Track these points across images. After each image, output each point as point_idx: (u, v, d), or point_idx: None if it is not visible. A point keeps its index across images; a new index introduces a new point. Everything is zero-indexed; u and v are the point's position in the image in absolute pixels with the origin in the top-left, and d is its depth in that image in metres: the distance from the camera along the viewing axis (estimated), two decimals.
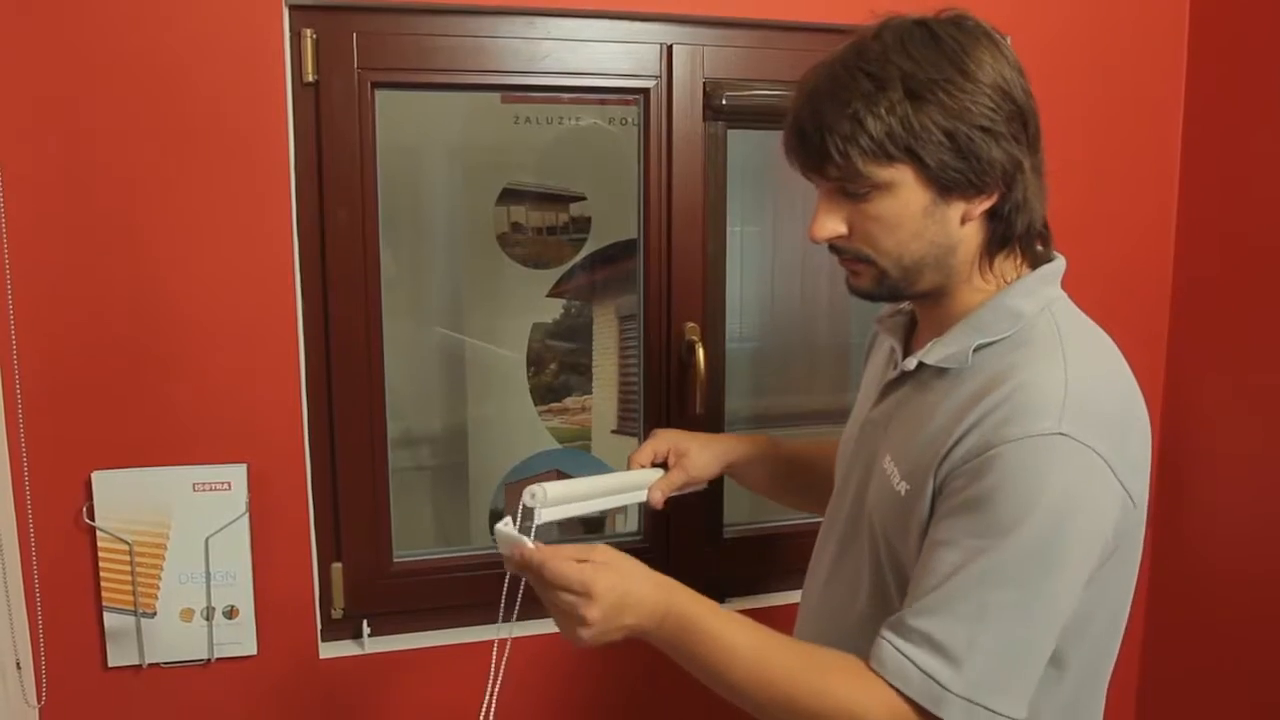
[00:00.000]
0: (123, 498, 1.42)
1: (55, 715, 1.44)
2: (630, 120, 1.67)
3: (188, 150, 1.39)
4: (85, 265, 1.38)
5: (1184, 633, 1.91)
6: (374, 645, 1.58)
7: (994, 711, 0.86)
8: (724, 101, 1.59)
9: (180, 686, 1.49)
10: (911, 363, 1.00)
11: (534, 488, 1.04)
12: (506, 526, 0.98)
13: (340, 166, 1.48)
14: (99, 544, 1.43)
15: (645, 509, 1.58)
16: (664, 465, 1.25)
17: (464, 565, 1.64)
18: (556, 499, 1.07)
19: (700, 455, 1.25)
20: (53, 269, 1.37)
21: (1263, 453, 1.73)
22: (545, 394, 1.80)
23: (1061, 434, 0.85)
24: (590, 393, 1.81)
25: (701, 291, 1.66)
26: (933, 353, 0.98)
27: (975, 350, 0.94)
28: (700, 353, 1.61)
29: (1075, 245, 1.78)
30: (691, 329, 1.65)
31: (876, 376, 1.13)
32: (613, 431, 1.80)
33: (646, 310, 1.67)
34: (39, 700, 1.42)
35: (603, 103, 1.72)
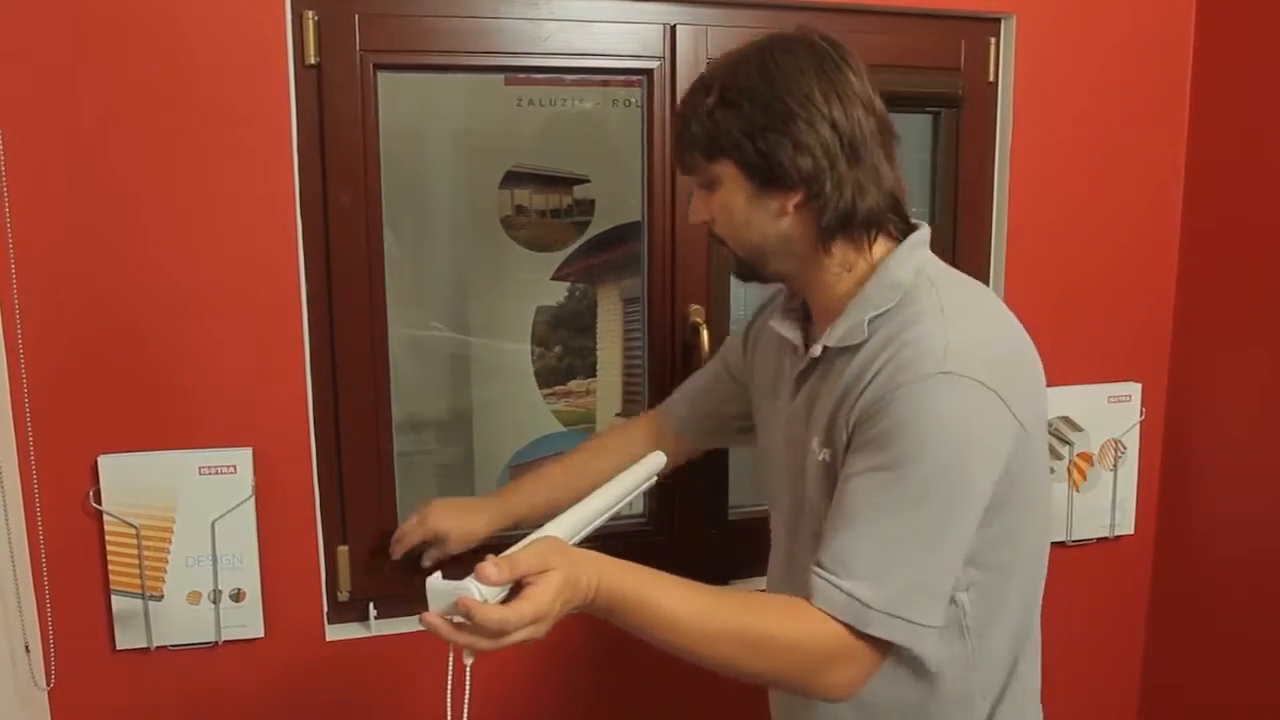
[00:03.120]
0: (129, 481, 1.43)
1: (64, 697, 1.45)
2: (634, 102, 1.66)
3: (191, 133, 1.39)
4: (89, 249, 1.38)
5: (1188, 631, 1.91)
6: (380, 627, 1.59)
7: (912, 622, 0.95)
8: None
9: (188, 669, 1.50)
10: (817, 349, 1.09)
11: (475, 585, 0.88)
12: (440, 581, 0.88)
13: (343, 149, 1.48)
14: (106, 528, 1.43)
15: (648, 494, 1.58)
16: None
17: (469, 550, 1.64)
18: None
19: (459, 532, 1.41)
20: (57, 253, 1.37)
21: (1269, 449, 1.72)
22: (549, 377, 1.79)
23: (946, 372, 0.95)
24: (594, 376, 1.81)
25: (705, 274, 1.66)
26: (833, 335, 1.07)
27: (869, 322, 1.03)
28: (705, 335, 1.61)
29: (1079, 237, 1.80)
30: (696, 311, 1.65)
31: (773, 372, 1.22)
32: (617, 414, 1.80)
33: (651, 293, 1.67)
34: (48, 682, 1.43)
35: (606, 84, 1.71)
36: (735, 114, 1.03)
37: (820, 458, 1.06)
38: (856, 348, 1.03)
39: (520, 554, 0.89)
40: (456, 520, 1.41)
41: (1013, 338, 1.05)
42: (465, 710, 0.90)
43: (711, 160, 1.06)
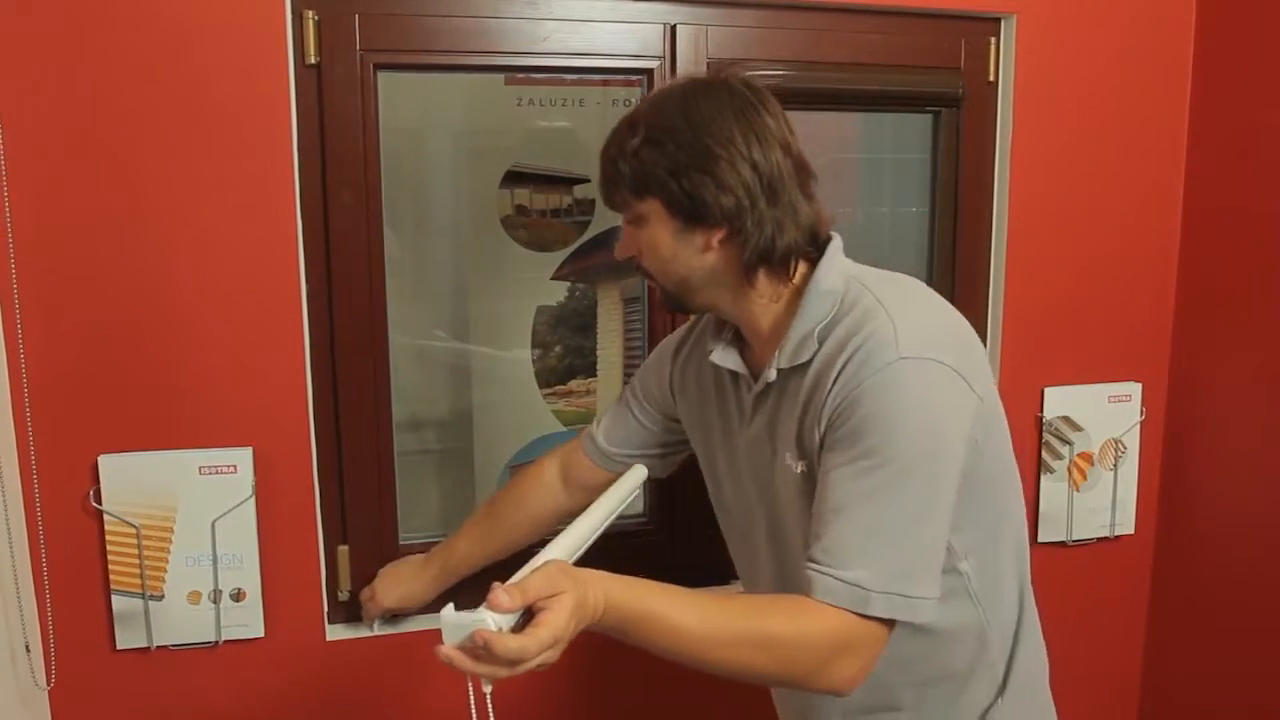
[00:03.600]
0: (130, 481, 1.43)
1: (64, 697, 1.45)
2: (634, 101, 1.66)
3: (191, 133, 1.39)
4: (89, 249, 1.38)
5: (1188, 631, 1.91)
6: (380, 627, 1.59)
7: (909, 597, 0.98)
8: None
9: (188, 669, 1.50)
10: (771, 374, 1.12)
11: (489, 616, 0.86)
12: (453, 614, 0.85)
13: (343, 148, 1.48)
14: (106, 527, 1.43)
15: (646, 489, 1.58)
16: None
17: None
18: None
19: (408, 602, 1.53)
20: (57, 253, 1.37)
21: (1270, 449, 1.72)
22: (549, 377, 1.79)
23: (903, 358, 0.99)
24: (595, 375, 1.81)
25: None
26: (783, 356, 1.10)
27: (817, 334, 1.07)
28: None
29: (1079, 237, 1.80)
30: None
31: (715, 402, 1.26)
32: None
33: (651, 293, 1.67)
34: (48, 682, 1.43)
35: (606, 84, 1.71)
36: (660, 153, 1.06)
37: (797, 470, 1.09)
38: (808, 362, 1.07)
39: (530, 580, 0.88)
40: (403, 592, 1.53)
41: (953, 320, 1.09)
42: None
43: (639, 198, 1.10)
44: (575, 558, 1.04)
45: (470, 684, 0.89)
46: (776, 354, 1.11)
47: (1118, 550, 1.93)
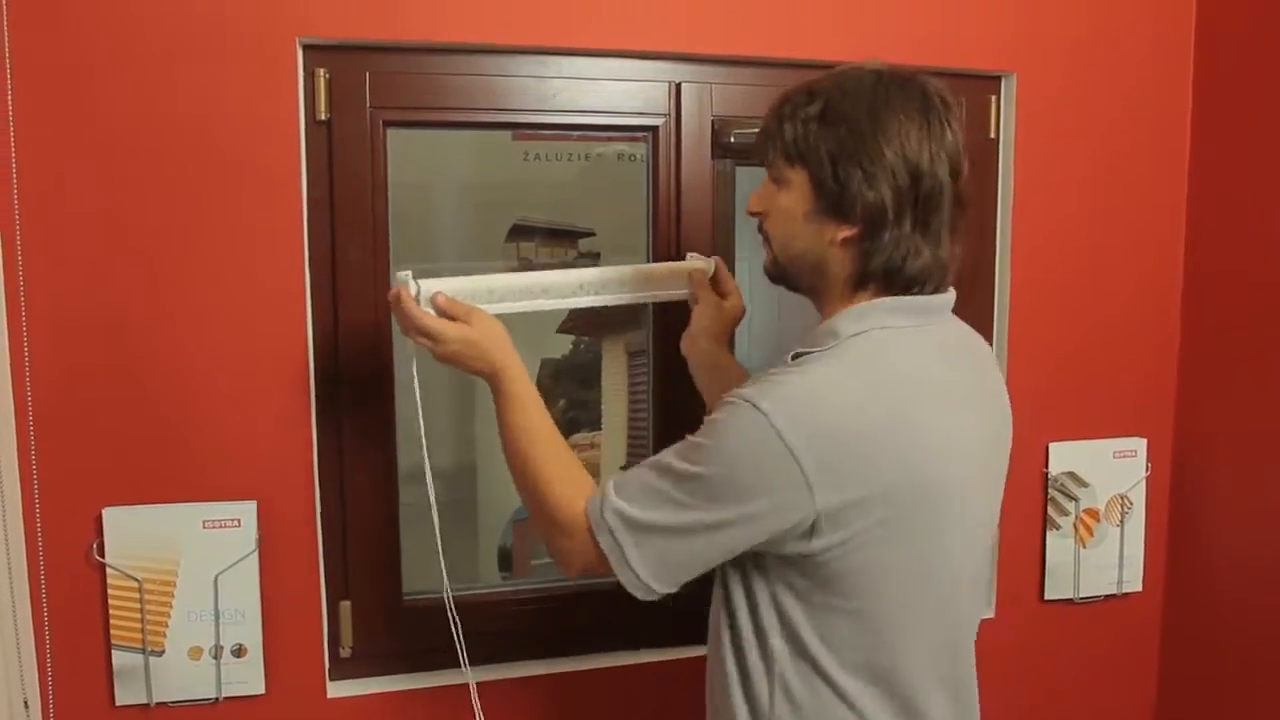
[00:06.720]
0: (133, 534, 1.42)
1: None
2: (639, 157, 1.68)
3: (202, 187, 1.40)
4: (98, 301, 1.39)
5: (1199, 690, 1.88)
6: (382, 685, 1.57)
7: (621, 547, 1.05)
8: (732, 139, 1.61)
9: None
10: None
11: (412, 279, 1.20)
12: (406, 274, 1.19)
13: (352, 203, 1.49)
14: (109, 581, 1.42)
15: None
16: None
17: (474, 604, 1.63)
18: (452, 289, 1.23)
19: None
20: (66, 305, 1.38)
21: (1277, 504, 1.71)
22: None
23: (749, 403, 1.00)
24: (599, 429, 1.81)
25: None
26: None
27: (792, 357, 1.08)
28: None
29: (1082, 292, 1.81)
30: None
31: None
32: (622, 468, 1.80)
33: (656, 346, 1.67)
34: None
35: (611, 139, 1.73)
36: (830, 133, 1.05)
37: None
38: None
39: (459, 306, 1.20)
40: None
41: (854, 415, 1.01)
42: None
43: (789, 164, 1.08)
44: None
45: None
46: None
47: (1126, 608, 1.91)
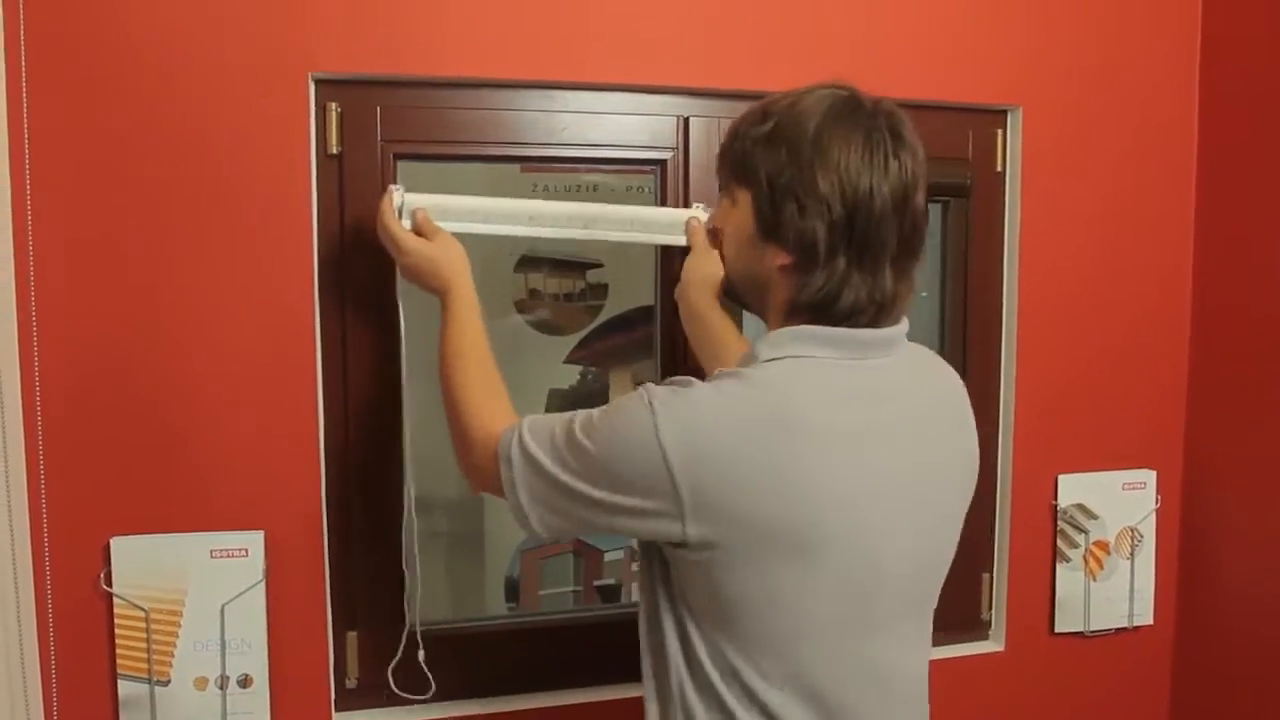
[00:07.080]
0: (141, 564, 1.42)
1: None
2: (647, 189, 1.70)
3: (212, 219, 1.42)
4: (109, 332, 1.40)
5: (1213, 703, 1.87)
6: (387, 716, 1.57)
7: (514, 482, 1.08)
8: None
9: None
10: None
11: (400, 192, 1.35)
12: (399, 186, 1.34)
13: (362, 235, 1.50)
14: (115, 610, 1.42)
15: None
16: None
17: (481, 634, 1.63)
18: (434, 207, 1.35)
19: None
20: (77, 336, 1.39)
21: None
22: None
23: (648, 400, 1.02)
24: None
25: None
26: None
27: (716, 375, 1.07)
28: None
29: (1090, 324, 1.81)
30: None
31: None
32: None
33: (664, 376, 1.67)
34: None
35: (620, 172, 1.74)
36: (772, 156, 1.05)
37: None
38: None
39: (431, 226, 1.33)
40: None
41: (741, 454, 0.99)
42: None
43: (737, 183, 1.10)
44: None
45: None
46: None
47: (1136, 641, 1.90)
